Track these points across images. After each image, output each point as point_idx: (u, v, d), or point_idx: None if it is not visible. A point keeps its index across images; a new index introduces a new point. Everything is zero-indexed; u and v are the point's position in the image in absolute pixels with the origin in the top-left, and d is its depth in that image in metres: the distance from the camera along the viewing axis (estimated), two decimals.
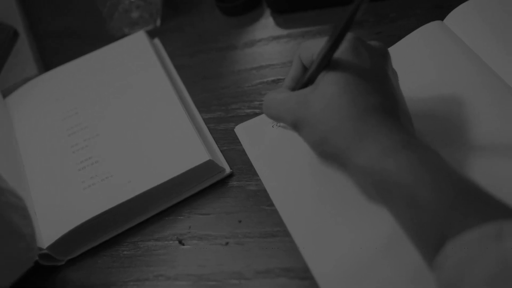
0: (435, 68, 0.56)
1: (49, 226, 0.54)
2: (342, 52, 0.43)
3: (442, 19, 0.61)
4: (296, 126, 0.44)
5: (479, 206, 0.35)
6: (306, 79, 0.45)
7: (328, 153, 0.43)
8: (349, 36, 0.43)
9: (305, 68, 0.48)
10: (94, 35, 0.79)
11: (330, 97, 0.41)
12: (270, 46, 0.68)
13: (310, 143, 0.44)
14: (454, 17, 0.60)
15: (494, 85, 0.53)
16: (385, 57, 0.45)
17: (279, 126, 0.57)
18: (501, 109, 0.51)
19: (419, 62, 0.57)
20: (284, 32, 0.69)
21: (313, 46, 0.45)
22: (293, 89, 0.48)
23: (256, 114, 0.60)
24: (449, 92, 0.54)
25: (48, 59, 0.78)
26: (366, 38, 0.46)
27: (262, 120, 0.59)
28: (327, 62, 0.43)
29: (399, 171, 0.38)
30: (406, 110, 0.45)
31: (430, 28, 0.60)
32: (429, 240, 0.36)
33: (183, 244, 0.53)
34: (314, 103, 0.42)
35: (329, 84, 0.42)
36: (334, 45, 0.41)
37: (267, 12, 0.73)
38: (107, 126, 0.61)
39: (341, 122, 0.41)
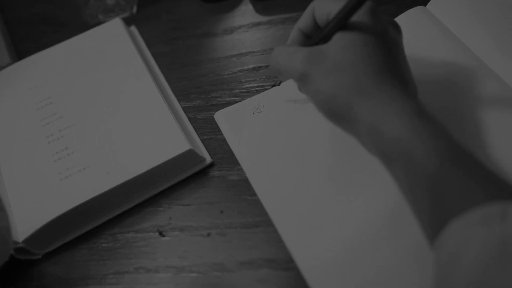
0: (419, 53, 0.56)
1: (25, 219, 0.52)
2: (360, 14, 0.42)
3: (423, 4, 0.60)
4: (305, 79, 0.43)
5: (487, 183, 0.34)
6: (320, 36, 0.45)
7: (337, 109, 0.41)
8: (367, 1, 0.42)
9: (315, 23, 0.47)
10: (67, 22, 0.77)
11: (347, 54, 0.41)
12: (250, 33, 0.67)
13: (318, 99, 0.43)
14: (437, 2, 0.60)
15: (478, 71, 0.53)
16: (398, 30, 0.46)
17: (261, 112, 0.56)
18: (485, 93, 0.51)
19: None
20: (264, 18, 0.68)
21: (330, 4, 0.44)
22: (301, 44, 0.47)
23: (237, 102, 0.59)
24: (433, 79, 0.54)
25: (20, 47, 0.76)
26: None
27: (242, 106, 0.58)
28: (344, 23, 0.42)
29: (412, 137, 0.37)
30: (415, 83, 0.45)
31: (413, 14, 0.59)
32: (433, 214, 0.35)
33: (164, 236, 0.52)
34: (328, 57, 0.41)
35: (345, 42, 0.41)
36: (355, 6, 0.41)
37: None
38: (83, 116, 0.59)
39: (354, 77, 0.40)
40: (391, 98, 0.39)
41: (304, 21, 0.48)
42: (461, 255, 0.32)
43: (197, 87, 0.63)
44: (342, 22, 0.42)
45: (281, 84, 0.57)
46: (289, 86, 0.56)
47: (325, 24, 0.45)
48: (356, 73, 0.40)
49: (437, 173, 0.35)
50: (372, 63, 0.40)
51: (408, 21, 0.59)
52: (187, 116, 0.60)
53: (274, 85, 0.58)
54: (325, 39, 0.44)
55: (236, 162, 0.54)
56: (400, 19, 0.59)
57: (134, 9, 0.74)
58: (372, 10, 0.42)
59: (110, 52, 0.66)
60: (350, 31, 0.42)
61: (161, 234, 0.52)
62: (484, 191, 0.34)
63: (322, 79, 0.41)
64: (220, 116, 0.58)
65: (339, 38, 0.42)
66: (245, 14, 0.70)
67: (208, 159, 0.55)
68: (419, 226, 0.38)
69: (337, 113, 0.42)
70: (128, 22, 0.72)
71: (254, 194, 0.51)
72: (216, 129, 0.58)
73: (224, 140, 0.56)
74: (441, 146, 0.36)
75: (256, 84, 0.61)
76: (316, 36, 0.45)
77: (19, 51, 0.75)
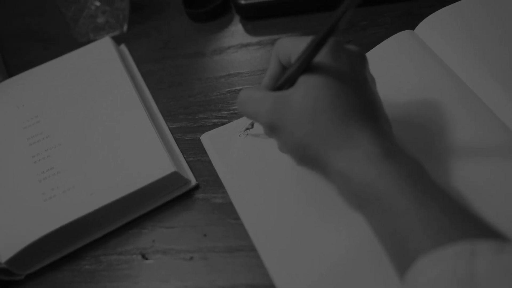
0: (406, 77, 0.56)
1: (7, 239, 0.52)
2: (321, 55, 0.42)
3: (412, 27, 0.61)
4: (273, 128, 0.43)
5: (456, 221, 0.35)
6: (284, 80, 0.44)
7: (308, 158, 0.42)
8: (329, 40, 0.42)
9: (282, 66, 0.47)
10: (57, 38, 0.77)
11: (311, 100, 0.40)
12: (239, 54, 0.67)
13: (288, 148, 0.43)
14: (425, 26, 0.60)
15: (464, 95, 0.53)
16: (363, 61, 0.45)
17: (247, 135, 0.56)
18: (469, 117, 0.52)
19: (390, 71, 0.57)
20: (253, 39, 0.68)
21: (290, 44, 0.44)
22: (271, 88, 0.47)
23: (224, 124, 0.59)
24: (420, 101, 0.54)
25: (9, 62, 0.76)
26: None
27: (228, 129, 0.58)
28: (307, 65, 0.42)
29: (378, 179, 0.37)
30: (386, 115, 0.44)
31: (401, 38, 0.60)
32: (402, 252, 0.35)
33: (147, 259, 0.51)
34: (293, 106, 0.41)
35: (309, 87, 0.41)
36: (316, 48, 0.40)
37: (236, 18, 0.72)
38: (70, 136, 0.59)
39: (321, 125, 0.40)
40: (358, 141, 0.39)
41: (272, 66, 0.48)
42: None
43: (184, 107, 0.63)
44: (304, 65, 0.42)
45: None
46: None
47: (288, 66, 0.45)
48: (321, 121, 0.40)
49: (404, 214, 0.36)
50: (336, 108, 0.40)
51: (396, 44, 0.59)
52: (174, 137, 0.60)
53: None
54: (290, 81, 0.43)
55: (221, 185, 0.54)
56: (388, 42, 0.60)
57: (125, 28, 0.74)
58: (333, 48, 0.42)
59: (99, 71, 0.66)
60: (313, 74, 0.41)
61: (144, 257, 0.52)
62: (454, 230, 0.34)
63: (289, 129, 0.41)
64: (206, 138, 0.58)
65: (302, 83, 0.42)
66: (235, 34, 0.70)
67: (193, 182, 0.55)
68: (389, 261, 0.38)
69: (307, 162, 0.42)
70: (118, 40, 0.72)
71: (238, 218, 0.51)
72: (202, 151, 0.58)
73: (210, 162, 0.56)
74: (407, 187, 0.36)
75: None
76: (281, 79, 0.45)
77: (9, 67, 0.75)
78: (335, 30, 0.40)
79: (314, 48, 0.40)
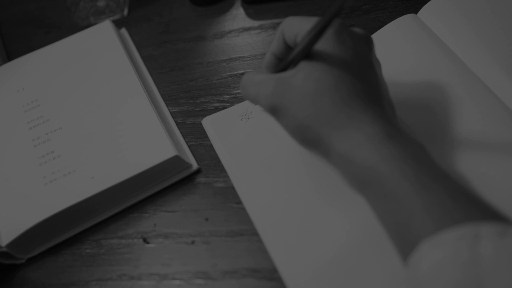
0: (409, 61, 0.56)
1: (8, 223, 0.52)
2: (326, 38, 0.41)
3: (414, 11, 0.61)
4: (274, 110, 0.42)
5: (459, 204, 0.34)
6: (288, 62, 0.44)
7: (309, 140, 0.41)
8: (334, 22, 0.42)
9: (286, 44, 0.46)
10: (58, 23, 0.77)
11: (313, 83, 0.40)
12: (241, 38, 0.67)
13: (290, 130, 0.43)
14: (428, 10, 0.59)
15: (467, 79, 0.53)
16: (369, 45, 0.44)
17: (249, 119, 0.56)
18: (473, 101, 0.51)
19: (393, 55, 0.57)
20: (255, 23, 0.68)
21: (297, 24, 0.43)
22: (273, 69, 0.46)
23: (225, 108, 0.59)
24: (422, 85, 0.54)
25: (10, 47, 0.75)
26: None
27: (230, 113, 0.57)
28: (311, 47, 0.41)
29: (380, 162, 0.37)
30: (390, 99, 0.44)
31: (404, 21, 0.59)
32: (405, 236, 0.35)
33: (148, 242, 0.51)
34: (295, 87, 0.41)
35: (312, 69, 0.41)
36: (320, 31, 0.40)
37: (238, 2, 0.71)
38: (70, 120, 0.59)
39: (323, 107, 0.39)
40: (360, 124, 0.39)
41: (275, 44, 0.47)
42: (434, 277, 0.31)
43: (186, 91, 0.62)
44: (309, 47, 0.41)
45: None
46: None
47: (294, 45, 0.44)
48: (323, 103, 0.39)
49: (406, 197, 0.35)
50: (339, 90, 0.40)
51: (398, 28, 0.59)
52: (175, 121, 0.60)
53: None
54: (293, 63, 0.43)
55: (222, 169, 0.54)
56: (390, 26, 0.59)
57: (125, 12, 0.74)
58: (338, 31, 0.42)
59: (99, 55, 0.65)
60: (316, 57, 0.41)
61: (145, 240, 0.51)
62: (457, 213, 0.34)
63: (290, 111, 0.41)
64: (208, 122, 0.57)
65: (305, 65, 0.41)
66: (236, 18, 0.69)
67: (195, 166, 0.55)
68: (393, 246, 0.38)
69: (309, 143, 0.42)
70: (118, 24, 0.72)
71: (240, 202, 0.51)
72: (203, 135, 0.57)
73: (211, 146, 0.56)
74: (409, 170, 0.36)
75: (239, 91, 0.60)
76: (285, 59, 0.44)
77: (9, 51, 0.74)
78: (340, 12, 0.39)
79: (319, 30, 0.40)
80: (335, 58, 0.41)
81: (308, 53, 0.42)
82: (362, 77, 0.41)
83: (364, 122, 0.39)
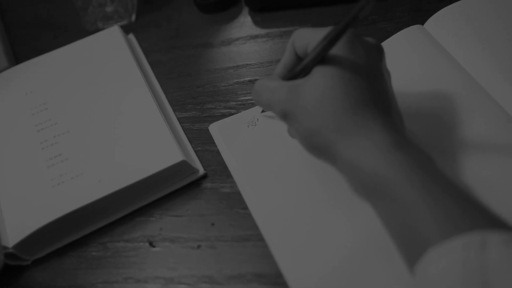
0: (415, 71, 0.56)
1: (16, 225, 0.52)
2: (339, 46, 0.42)
3: (421, 22, 0.61)
4: (286, 116, 0.43)
5: (466, 212, 0.35)
6: (299, 69, 0.44)
7: (318, 146, 0.42)
8: (347, 31, 0.42)
9: (297, 56, 0.47)
10: (67, 26, 0.77)
11: (323, 90, 0.41)
12: (248, 45, 0.67)
13: (299, 136, 0.43)
14: (434, 21, 0.60)
15: (472, 90, 0.53)
16: (380, 54, 0.45)
17: (255, 126, 0.56)
18: (478, 111, 0.52)
19: (399, 65, 0.57)
20: (262, 31, 0.68)
21: (308, 35, 0.44)
22: (285, 77, 0.47)
23: (232, 115, 0.59)
24: (428, 96, 0.54)
25: (19, 51, 0.76)
26: None
27: (237, 119, 0.58)
28: (324, 55, 0.42)
29: (387, 169, 0.37)
30: (398, 109, 0.44)
31: (410, 32, 0.60)
32: (412, 243, 0.36)
33: (154, 246, 0.52)
34: (306, 94, 0.41)
35: (323, 76, 0.41)
36: (334, 39, 0.41)
37: (245, 10, 0.72)
38: (78, 123, 0.59)
39: (332, 114, 0.40)
40: (369, 132, 0.39)
41: (286, 55, 0.48)
42: (441, 284, 0.32)
43: (193, 97, 0.63)
44: (320, 56, 0.42)
45: None
46: None
47: (305, 56, 0.45)
48: (334, 110, 0.40)
49: (413, 205, 0.36)
50: (349, 98, 0.40)
51: (405, 39, 0.59)
52: (182, 127, 0.60)
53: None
54: (305, 71, 0.43)
55: (229, 175, 0.54)
56: (397, 37, 0.60)
57: (133, 17, 0.74)
58: (350, 40, 0.42)
59: (107, 59, 0.66)
60: (329, 64, 0.42)
61: (151, 244, 0.52)
62: (464, 221, 0.34)
63: (301, 118, 0.42)
64: (215, 128, 0.58)
65: (317, 72, 0.42)
66: (244, 26, 0.70)
67: (201, 171, 0.55)
68: (399, 253, 0.38)
69: (318, 150, 0.43)
70: (126, 30, 0.72)
71: (246, 208, 0.51)
72: (210, 140, 0.58)
73: (218, 152, 0.56)
74: (416, 178, 0.37)
75: (251, 97, 0.60)
76: (295, 68, 0.45)
77: (18, 55, 0.75)
78: (354, 22, 0.40)
79: (332, 39, 0.41)
80: (347, 66, 0.41)
81: (320, 61, 0.42)
82: (372, 86, 0.41)
83: (373, 130, 0.39)
